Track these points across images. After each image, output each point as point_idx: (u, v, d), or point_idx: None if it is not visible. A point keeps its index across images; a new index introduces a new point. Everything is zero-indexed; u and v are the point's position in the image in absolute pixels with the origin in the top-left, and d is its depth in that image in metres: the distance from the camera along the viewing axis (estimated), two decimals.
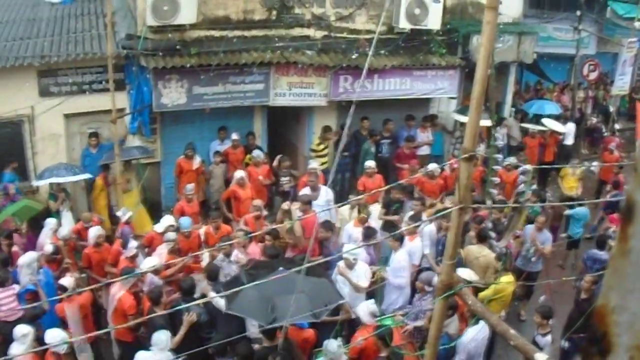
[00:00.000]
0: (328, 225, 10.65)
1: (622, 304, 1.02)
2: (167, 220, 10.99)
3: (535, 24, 17.62)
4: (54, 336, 8.03)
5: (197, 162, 13.28)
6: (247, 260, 9.88)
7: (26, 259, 9.85)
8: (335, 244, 10.66)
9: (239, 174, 12.37)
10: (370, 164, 12.86)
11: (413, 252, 10.41)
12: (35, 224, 11.99)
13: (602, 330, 1.05)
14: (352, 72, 13.67)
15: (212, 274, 9.39)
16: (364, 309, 8.52)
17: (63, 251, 10.66)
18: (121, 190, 12.62)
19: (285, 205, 11.27)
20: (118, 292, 9.23)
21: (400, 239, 10.09)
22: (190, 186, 12.04)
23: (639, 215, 1.01)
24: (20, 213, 11.96)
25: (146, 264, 9.63)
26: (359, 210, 11.42)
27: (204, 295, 8.90)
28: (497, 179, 13.20)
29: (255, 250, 10.32)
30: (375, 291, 9.56)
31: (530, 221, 11.80)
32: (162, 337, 8.02)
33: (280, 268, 8.52)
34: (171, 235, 10.30)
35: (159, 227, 10.87)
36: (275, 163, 13.30)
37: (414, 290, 9.87)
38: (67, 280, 9.37)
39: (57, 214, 12.16)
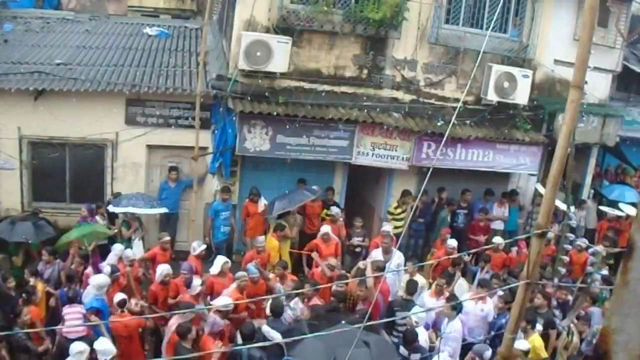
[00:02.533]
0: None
1: (620, 326, 1.08)
2: (220, 260, 11.03)
3: (620, 107, 17.35)
4: (103, 344, 8.48)
5: (262, 205, 13.31)
6: (306, 309, 10.02)
7: (98, 281, 10.03)
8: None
9: (325, 228, 12.30)
10: (453, 243, 12.66)
11: (487, 314, 10.68)
12: (104, 249, 12.19)
13: (604, 349, 1.11)
14: (437, 139, 13.61)
15: (276, 310, 9.54)
16: None
17: (129, 277, 10.79)
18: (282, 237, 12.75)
19: (362, 265, 11.32)
20: (174, 324, 9.36)
21: (457, 309, 10.02)
22: (261, 238, 11.96)
23: (637, 253, 1.08)
24: (87, 236, 12.18)
25: (217, 302, 9.71)
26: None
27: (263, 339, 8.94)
28: (566, 258, 12.99)
29: (317, 304, 10.33)
30: None
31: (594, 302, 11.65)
32: None
33: (343, 321, 8.68)
34: (242, 272, 10.34)
35: (214, 269, 10.91)
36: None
37: None
38: (120, 296, 9.68)
39: (127, 242, 12.33)
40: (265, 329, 9.05)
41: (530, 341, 9.69)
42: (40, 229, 12.07)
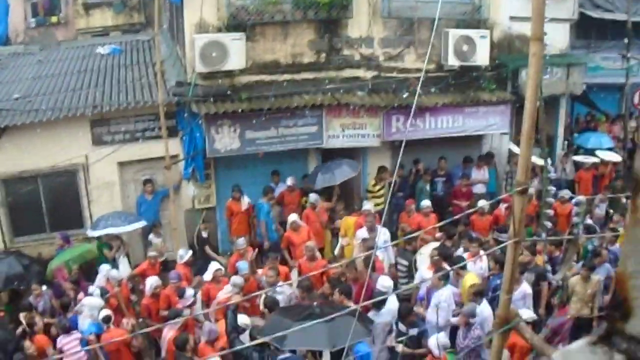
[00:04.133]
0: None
1: (637, 269, 0.98)
2: (213, 266, 11.00)
3: (583, 55, 17.41)
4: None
5: (245, 202, 13.28)
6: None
7: (92, 303, 10.00)
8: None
9: (292, 217, 12.26)
10: (426, 203, 12.80)
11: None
12: (89, 270, 12.07)
13: (623, 295, 1.01)
14: (404, 111, 13.58)
15: (271, 305, 9.54)
16: (434, 342, 8.60)
17: (118, 296, 10.62)
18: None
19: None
20: (168, 334, 9.46)
21: (445, 278, 9.97)
22: (242, 240, 11.72)
23: None
24: (76, 258, 12.10)
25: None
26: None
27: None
28: (551, 212, 12.99)
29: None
30: None
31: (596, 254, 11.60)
32: None
33: (315, 303, 8.90)
34: (238, 280, 10.20)
35: (208, 276, 10.91)
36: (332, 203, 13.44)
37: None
38: (105, 312, 9.68)
39: (112, 262, 12.20)
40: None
41: (463, 282, 10.06)
42: (29, 272, 11.98)
